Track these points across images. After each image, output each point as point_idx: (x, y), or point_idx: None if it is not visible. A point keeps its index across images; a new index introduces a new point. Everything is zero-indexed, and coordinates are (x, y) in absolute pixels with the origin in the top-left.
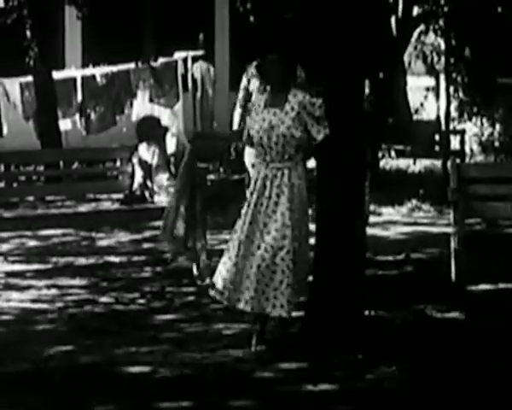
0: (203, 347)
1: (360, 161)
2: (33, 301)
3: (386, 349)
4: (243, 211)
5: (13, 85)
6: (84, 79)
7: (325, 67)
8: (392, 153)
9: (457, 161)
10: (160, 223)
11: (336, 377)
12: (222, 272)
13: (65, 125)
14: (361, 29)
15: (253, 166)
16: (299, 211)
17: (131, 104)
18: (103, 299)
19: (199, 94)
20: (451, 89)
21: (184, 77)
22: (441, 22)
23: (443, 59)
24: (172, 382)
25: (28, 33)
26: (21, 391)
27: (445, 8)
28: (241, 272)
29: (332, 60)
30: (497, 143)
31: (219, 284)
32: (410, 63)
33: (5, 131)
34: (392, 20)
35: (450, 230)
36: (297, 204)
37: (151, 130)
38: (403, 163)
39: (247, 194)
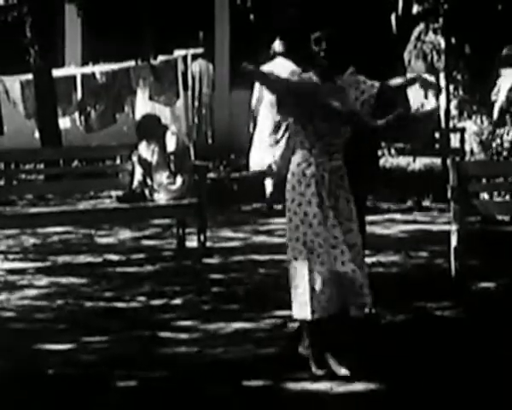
0: (203, 346)
1: (365, 158)
2: (33, 298)
3: (387, 348)
4: (300, 216)
5: (13, 83)
6: (83, 76)
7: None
8: (392, 151)
9: (457, 159)
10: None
11: (336, 376)
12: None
13: (65, 123)
14: (361, 26)
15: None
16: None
17: (131, 102)
18: (103, 297)
19: (197, 92)
20: (451, 87)
21: (184, 75)
22: (441, 20)
23: (443, 57)
24: (172, 382)
25: (28, 31)
26: (20, 390)
27: (445, 6)
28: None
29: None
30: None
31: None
32: (409, 61)
33: (5, 129)
34: (392, 17)
35: (450, 227)
36: (348, 197)
37: (151, 128)
38: (403, 161)
39: (296, 195)
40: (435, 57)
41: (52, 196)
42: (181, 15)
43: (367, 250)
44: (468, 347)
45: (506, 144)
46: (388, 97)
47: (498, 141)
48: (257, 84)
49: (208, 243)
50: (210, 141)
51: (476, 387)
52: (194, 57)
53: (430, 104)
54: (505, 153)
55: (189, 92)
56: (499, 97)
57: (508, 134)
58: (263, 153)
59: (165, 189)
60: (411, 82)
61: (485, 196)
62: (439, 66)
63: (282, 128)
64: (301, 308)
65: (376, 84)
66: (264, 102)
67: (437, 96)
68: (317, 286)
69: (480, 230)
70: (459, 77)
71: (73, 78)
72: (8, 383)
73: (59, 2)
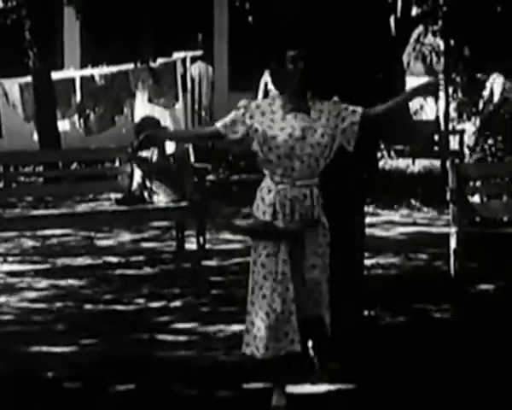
0: (202, 347)
1: (363, 160)
2: (32, 301)
3: (386, 350)
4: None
5: (12, 86)
6: (82, 79)
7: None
8: (392, 153)
9: (456, 161)
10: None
11: (336, 377)
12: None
13: (64, 125)
14: (360, 29)
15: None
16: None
17: (130, 105)
18: (102, 299)
19: (196, 94)
20: (450, 89)
21: (183, 77)
22: (440, 22)
23: (442, 59)
24: (171, 385)
25: (27, 34)
26: (19, 392)
27: (444, 8)
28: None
29: (332, 59)
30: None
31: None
32: (408, 63)
33: (4, 131)
34: (391, 19)
35: (449, 230)
36: (325, 228)
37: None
38: (402, 163)
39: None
40: (434, 59)
41: (51, 198)
42: (180, 18)
43: (366, 252)
44: (468, 349)
45: (492, 147)
46: (372, 123)
47: (490, 142)
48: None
49: (207, 246)
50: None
51: (475, 389)
52: (194, 60)
53: (429, 106)
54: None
55: (188, 95)
56: (489, 98)
57: (494, 136)
58: None
59: (164, 191)
60: (415, 94)
61: (476, 198)
62: (438, 68)
63: None
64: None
65: (359, 110)
66: None
67: (436, 99)
68: (259, 323)
69: (480, 232)
70: (458, 79)
71: (72, 80)
72: (7, 386)
73: (58, 5)
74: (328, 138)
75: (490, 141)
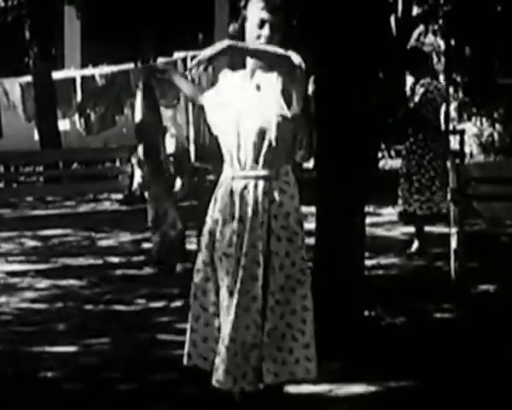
0: None
1: (363, 159)
2: (33, 301)
3: (386, 350)
4: (204, 245)
5: (12, 86)
6: (83, 79)
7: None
8: (392, 153)
9: (457, 161)
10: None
11: (336, 377)
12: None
13: (64, 125)
14: (361, 28)
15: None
16: (283, 246)
17: (131, 105)
18: (103, 299)
19: None
20: (451, 89)
21: (184, 77)
22: (441, 22)
23: (443, 59)
24: (172, 385)
25: (27, 34)
26: (19, 393)
27: (445, 8)
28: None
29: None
30: (496, 144)
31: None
32: None
33: (4, 131)
34: (392, 19)
35: (449, 230)
36: (279, 233)
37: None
38: None
39: (208, 219)
40: (435, 59)
41: (52, 198)
42: (180, 17)
43: (367, 252)
44: (468, 349)
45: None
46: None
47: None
48: None
49: None
50: (209, 143)
51: (476, 389)
52: (194, 59)
53: None
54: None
55: None
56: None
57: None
58: None
59: None
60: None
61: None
62: (439, 68)
63: None
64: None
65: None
66: None
67: None
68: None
69: (480, 232)
70: (459, 79)
71: (73, 80)
72: (8, 386)
73: (58, 5)
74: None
75: (411, 139)
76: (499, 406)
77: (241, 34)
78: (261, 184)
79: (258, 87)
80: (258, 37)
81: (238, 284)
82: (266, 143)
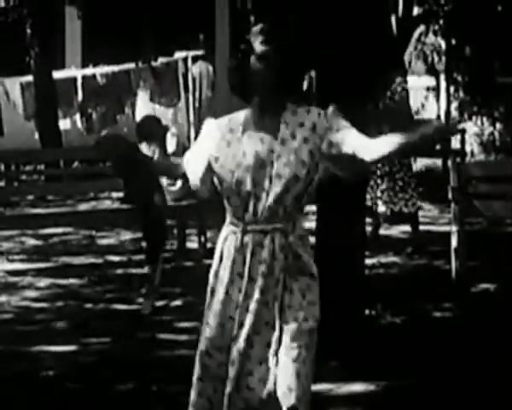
0: None
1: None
2: (34, 299)
3: (386, 349)
4: (209, 305)
5: (13, 85)
6: (84, 78)
7: (329, 70)
8: None
9: (458, 160)
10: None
11: (336, 377)
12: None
13: (65, 124)
14: (362, 28)
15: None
16: (301, 303)
17: (132, 104)
18: (103, 298)
19: (198, 94)
20: (452, 88)
21: (185, 77)
22: (441, 22)
23: (443, 59)
24: (173, 384)
25: (28, 33)
26: (20, 391)
27: (446, 8)
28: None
29: (335, 60)
30: (497, 143)
31: None
32: (410, 63)
33: (5, 130)
34: (393, 19)
35: (450, 228)
36: (298, 290)
37: (151, 129)
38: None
39: (211, 277)
40: (436, 59)
41: (52, 197)
42: (181, 17)
43: (367, 251)
44: (469, 348)
45: None
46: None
47: None
48: None
49: (209, 244)
50: None
51: (476, 388)
52: (195, 59)
53: (431, 105)
54: None
55: (190, 94)
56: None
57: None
58: None
59: (165, 190)
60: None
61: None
62: (440, 67)
63: None
64: None
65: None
66: None
67: (437, 97)
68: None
69: (481, 231)
70: (460, 78)
71: (74, 79)
72: (8, 385)
73: (59, 4)
74: (299, 167)
75: None
76: (499, 404)
77: (242, 64)
78: (278, 238)
79: (292, 136)
80: (260, 71)
81: (249, 350)
82: (291, 196)
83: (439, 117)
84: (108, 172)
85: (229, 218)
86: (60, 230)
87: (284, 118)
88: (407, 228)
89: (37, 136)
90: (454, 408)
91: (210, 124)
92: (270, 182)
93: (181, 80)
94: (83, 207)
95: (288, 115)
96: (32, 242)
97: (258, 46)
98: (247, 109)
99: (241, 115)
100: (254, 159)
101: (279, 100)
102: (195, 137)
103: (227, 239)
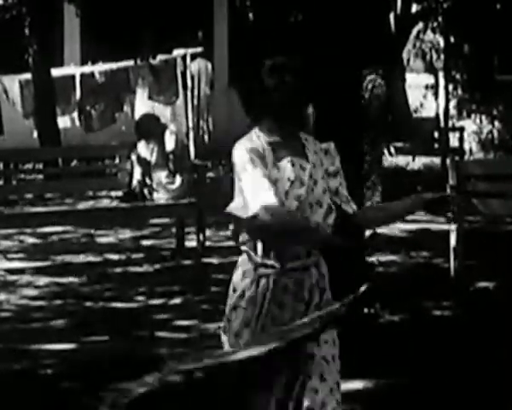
0: (202, 345)
1: (360, 162)
2: (32, 298)
3: (386, 347)
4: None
5: (12, 83)
6: (82, 76)
7: (325, 66)
8: (392, 150)
9: (456, 158)
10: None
11: None
12: None
13: (64, 122)
14: (361, 25)
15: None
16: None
17: (131, 102)
18: (102, 296)
19: (196, 91)
20: (450, 86)
21: (183, 74)
22: (440, 19)
23: (442, 56)
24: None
25: (27, 31)
26: (19, 389)
27: (444, 5)
28: None
29: (332, 57)
30: (496, 141)
31: None
32: (408, 60)
33: (4, 128)
34: (391, 17)
35: (449, 227)
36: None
37: (150, 127)
38: (402, 160)
39: (232, 313)
40: (434, 56)
41: (51, 195)
42: (180, 15)
43: (367, 250)
44: (467, 346)
45: None
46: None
47: None
48: None
49: (207, 243)
50: (208, 140)
51: (475, 386)
52: (194, 57)
53: (429, 103)
54: None
55: (189, 91)
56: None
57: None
58: None
59: (164, 188)
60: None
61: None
62: (438, 65)
63: None
64: None
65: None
66: None
67: (436, 95)
68: None
69: (479, 229)
70: (458, 76)
71: (72, 77)
72: (7, 383)
73: (58, 2)
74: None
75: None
76: (498, 402)
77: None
78: (314, 272)
79: (320, 163)
80: (268, 103)
81: None
82: (327, 223)
83: (437, 115)
84: (107, 170)
85: (255, 257)
86: (59, 228)
87: (305, 144)
88: (407, 226)
89: (35, 134)
90: (452, 406)
91: (247, 147)
92: (311, 209)
93: (179, 78)
94: (82, 205)
95: (307, 142)
96: (30, 240)
97: (267, 79)
98: (257, 133)
99: (258, 140)
100: (299, 184)
101: (295, 127)
102: (194, 135)
103: (245, 276)
